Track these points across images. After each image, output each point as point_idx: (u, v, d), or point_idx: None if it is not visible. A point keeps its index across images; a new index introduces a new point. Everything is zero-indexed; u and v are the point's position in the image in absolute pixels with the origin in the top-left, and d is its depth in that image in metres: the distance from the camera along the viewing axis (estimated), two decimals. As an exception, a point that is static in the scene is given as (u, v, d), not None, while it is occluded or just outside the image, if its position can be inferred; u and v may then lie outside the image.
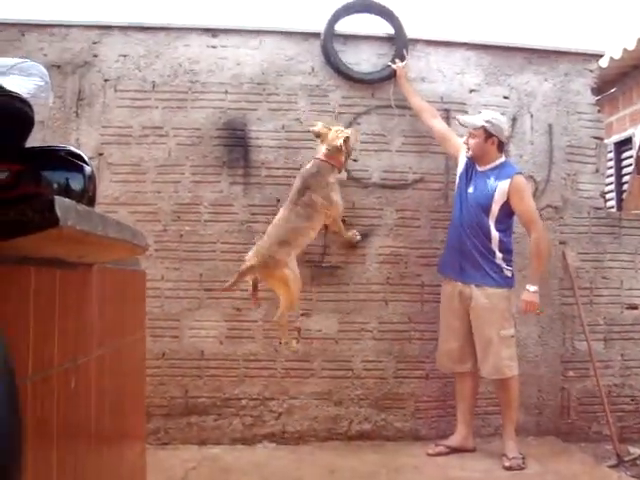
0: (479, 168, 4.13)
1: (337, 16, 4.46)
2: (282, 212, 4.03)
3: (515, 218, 4.15)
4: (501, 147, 4.16)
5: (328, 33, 4.43)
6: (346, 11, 4.50)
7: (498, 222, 4.04)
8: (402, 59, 4.46)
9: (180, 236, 4.31)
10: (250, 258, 3.89)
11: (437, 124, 4.38)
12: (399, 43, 4.51)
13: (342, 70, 4.45)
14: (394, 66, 4.45)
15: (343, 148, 4.08)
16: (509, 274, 4.08)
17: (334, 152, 4.09)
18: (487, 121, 4.05)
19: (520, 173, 4.13)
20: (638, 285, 4.67)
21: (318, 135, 4.15)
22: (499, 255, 4.04)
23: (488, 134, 4.06)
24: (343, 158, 4.16)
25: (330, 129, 4.14)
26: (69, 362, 1.37)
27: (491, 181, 4.06)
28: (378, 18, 4.57)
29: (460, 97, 4.59)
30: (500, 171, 4.09)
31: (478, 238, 4.05)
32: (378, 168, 4.48)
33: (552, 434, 4.51)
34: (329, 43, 4.42)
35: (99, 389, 1.63)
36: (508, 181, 4.02)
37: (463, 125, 4.17)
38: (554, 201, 4.62)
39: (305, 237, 4.05)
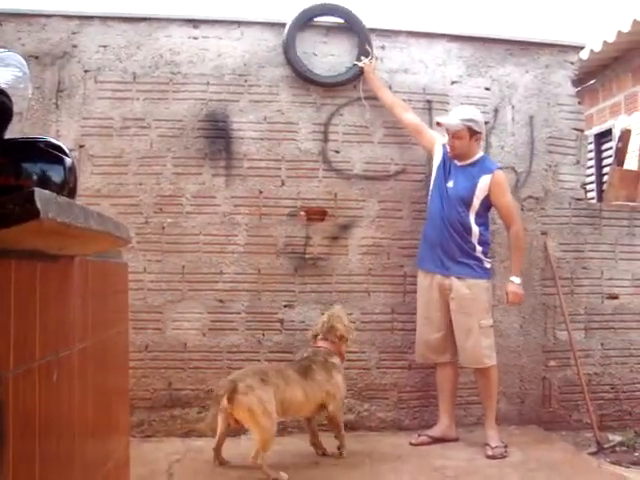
0: (458, 163, 4.16)
1: (296, 24, 4.40)
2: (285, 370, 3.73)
3: (493, 212, 4.21)
4: (480, 141, 4.20)
5: (290, 42, 4.38)
6: (303, 17, 4.43)
7: (478, 216, 4.10)
8: (367, 55, 4.45)
9: (162, 228, 4.29)
10: (221, 386, 3.61)
11: (410, 118, 4.39)
12: (361, 40, 4.48)
13: (308, 77, 4.42)
14: (360, 64, 4.44)
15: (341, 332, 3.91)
16: (488, 265, 4.15)
17: (336, 337, 3.91)
18: (470, 120, 4.07)
19: (500, 168, 4.20)
20: (618, 275, 4.73)
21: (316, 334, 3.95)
22: (479, 248, 4.10)
23: (472, 132, 4.08)
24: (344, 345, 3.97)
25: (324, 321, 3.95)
26: (51, 355, 1.36)
27: (472, 175, 4.09)
28: (337, 19, 4.52)
29: (442, 89, 4.60)
30: (481, 166, 4.13)
31: (459, 232, 4.09)
32: (360, 159, 4.49)
33: (534, 423, 4.56)
34: (292, 51, 4.37)
35: (82, 382, 1.62)
36: (489, 176, 4.07)
37: (447, 127, 4.13)
38: (535, 192, 4.66)
39: (292, 394, 3.59)
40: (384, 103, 4.44)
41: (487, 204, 4.12)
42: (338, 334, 3.88)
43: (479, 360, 4.07)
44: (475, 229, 4.09)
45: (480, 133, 4.13)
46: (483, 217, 4.15)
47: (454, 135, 4.09)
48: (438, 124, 4.19)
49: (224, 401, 3.44)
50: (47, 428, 1.33)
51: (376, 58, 4.48)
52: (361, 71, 4.44)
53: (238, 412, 3.42)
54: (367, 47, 4.45)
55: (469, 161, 4.15)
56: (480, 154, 4.21)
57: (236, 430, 3.73)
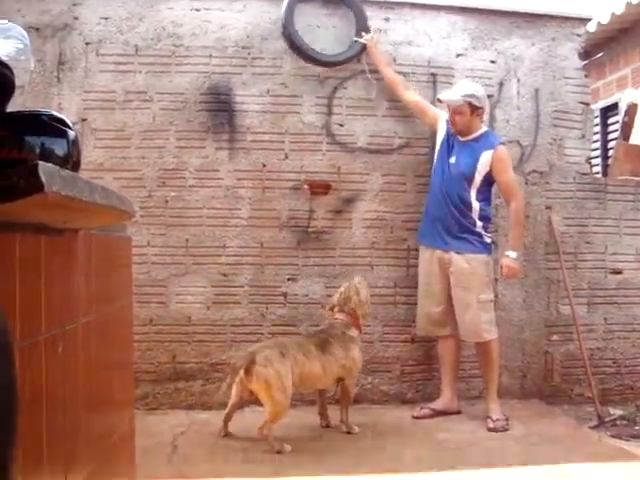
0: (461, 138, 4.14)
1: (292, 4, 4.34)
2: (306, 345, 3.71)
3: (494, 187, 4.20)
4: (482, 116, 4.17)
5: (288, 19, 4.32)
6: None
7: (479, 192, 4.10)
8: (367, 31, 4.40)
9: (165, 202, 4.28)
10: (240, 357, 3.67)
11: (411, 96, 4.37)
12: (359, 18, 4.42)
13: (309, 55, 4.37)
14: (362, 40, 4.39)
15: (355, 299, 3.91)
16: (488, 240, 4.16)
17: (346, 307, 3.91)
18: (471, 95, 4.05)
19: (503, 143, 4.18)
20: (622, 250, 4.72)
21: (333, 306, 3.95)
22: (479, 224, 4.11)
23: (473, 107, 4.06)
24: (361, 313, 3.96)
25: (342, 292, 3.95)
26: (56, 328, 1.36)
27: (474, 151, 4.08)
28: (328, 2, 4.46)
29: (447, 61, 4.56)
30: (484, 141, 4.12)
31: (459, 208, 4.09)
32: (364, 133, 4.46)
33: (536, 397, 4.59)
34: (291, 29, 4.31)
35: (87, 355, 1.62)
36: (491, 152, 4.06)
37: (448, 103, 4.12)
38: (540, 166, 4.63)
39: (310, 367, 3.62)
40: (386, 79, 4.41)
41: (489, 179, 4.12)
42: (352, 306, 3.88)
43: (478, 334, 4.09)
44: (475, 205, 4.09)
45: (481, 108, 4.10)
46: (485, 193, 4.14)
47: (455, 110, 4.07)
48: (439, 100, 4.18)
49: (241, 372, 3.46)
50: (53, 400, 1.34)
51: (379, 30, 4.43)
52: (363, 47, 4.40)
53: (254, 384, 3.45)
54: (364, 23, 4.39)
55: (472, 136, 4.13)
56: (483, 129, 4.18)
57: (249, 402, 3.75)
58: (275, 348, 3.52)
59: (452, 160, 4.13)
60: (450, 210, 4.10)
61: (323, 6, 4.46)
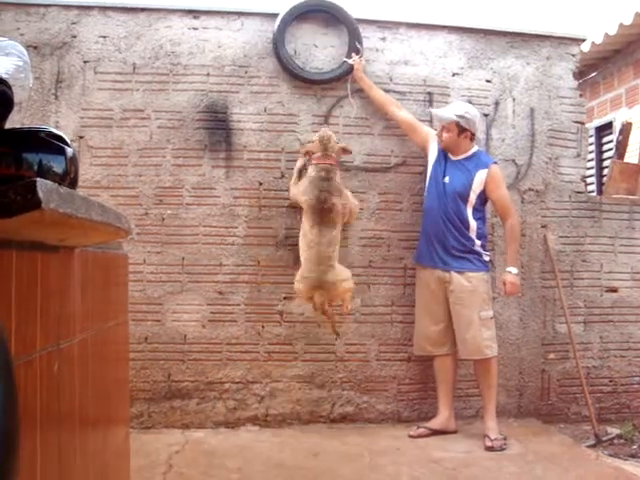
0: (452, 157, 4.19)
1: (285, 22, 4.36)
2: (309, 230, 4.01)
3: (489, 205, 4.27)
4: (473, 138, 4.22)
5: (279, 39, 4.34)
6: (292, 14, 4.39)
7: (475, 211, 4.14)
8: (357, 52, 4.42)
9: (162, 220, 4.28)
10: (303, 287, 3.97)
11: (403, 115, 4.39)
12: (351, 37, 4.44)
13: (297, 75, 4.39)
14: (350, 61, 4.40)
15: (333, 144, 4.11)
16: (487, 259, 4.20)
17: (328, 152, 4.09)
18: (460, 116, 4.09)
19: (495, 163, 4.23)
20: (617, 268, 4.73)
21: (307, 152, 4.18)
22: (477, 242, 4.14)
23: (461, 128, 4.11)
24: (336, 155, 4.16)
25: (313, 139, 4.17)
26: (52, 346, 1.36)
27: (468, 170, 4.13)
28: (327, 15, 4.48)
29: (443, 81, 4.59)
30: (477, 160, 4.17)
31: (458, 227, 4.11)
32: (360, 152, 4.48)
33: (532, 415, 4.57)
34: (282, 49, 4.34)
35: (82, 373, 1.62)
36: (486, 171, 4.12)
37: (436, 119, 4.20)
38: (536, 185, 4.65)
39: (337, 243, 4.04)
40: (374, 101, 4.43)
41: (483, 198, 4.17)
42: (330, 152, 4.08)
43: (480, 351, 4.08)
44: (473, 223, 4.12)
45: (468, 131, 4.14)
46: (480, 211, 4.18)
47: (443, 127, 4.14)
48: (432, 117, 4.27)
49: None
50: (48, 419, 1.33)
51: (365, 60, 4.44)
52: (352, 68, 4.43)
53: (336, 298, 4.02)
54: (357, 44, 4.42)
55: (464, 156, 4.17)
56: (475, 148, 4.22)
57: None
58: (320, 266, 3.94)
59: (446, 180, 4.16)
60: (449, 230, 4.12)
61: (319, 25, 4.49)
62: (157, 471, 3.37)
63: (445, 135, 4.13)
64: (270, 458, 3.59)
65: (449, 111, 4.15)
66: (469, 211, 4.12)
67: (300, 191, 4.09)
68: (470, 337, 4.07)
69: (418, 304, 4.30)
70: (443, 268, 4.15)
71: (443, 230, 4.13)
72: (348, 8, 4.45)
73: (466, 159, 4.17)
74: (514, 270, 4.12)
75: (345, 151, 4.20)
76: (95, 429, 1.79)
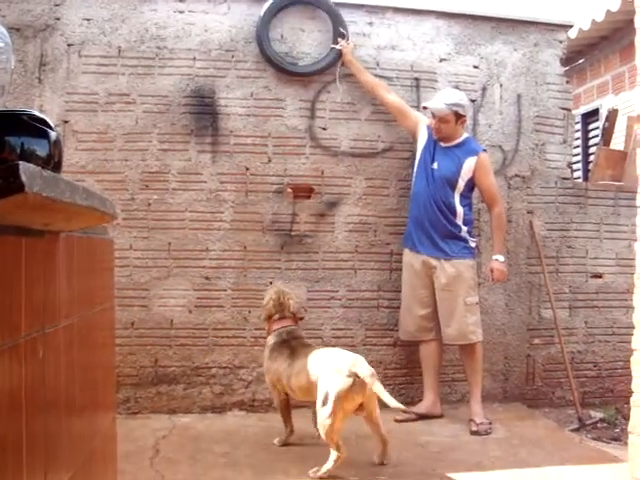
0: (442, 144, 4.17)
1: (267, 17, 4.34)
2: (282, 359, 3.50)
3: (476, 191, 4.27)
4: (465, 123, 4.23)
5: (263, 34, 4.32)
6: (275, 8, 4.36)
7: (462, 197, 4.16)
8: (343, 37, 4.40)
9: (148, 205, 4.26)
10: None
11: (393, 99, 4.38)
12: (335, 23, 4.42)
13: (285, 68, 4.37)
14: (338, 47, 4.39)
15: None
16: (473, 245, 4.22)
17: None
18: (457, 104, 4.09)
19: (485, 150, 4.24)
20: (603, 254, 4.77)
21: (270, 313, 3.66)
22: (464, 228, 4.16)
23: (459, 116, 4.10)
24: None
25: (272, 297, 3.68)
26: (36, 331, 1.35)
27: (457, 157, 4.13)
28: (310, 7, 4.45)
29: (430, 66, 4.58)
30: (467, 147, 4.18)
31: (445, 213, 4.12)
32: (347, 137, 4.47)
33: (517, 400, 4.62)
34: (266, 44, 4.32)
35: (68, 358, 1.61)
36: (475, 158, 4.13)
37: (433, 112, 4.14)
38: (522, 171, 4.67)
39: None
40: (364, 85, 4.42)
41: (471, 185, 4.19)
42: (293, 310, 3.65)
43: (465, 336, 4.11)
44: (460, 210, 4.14)
45: (465, 117, 4.15)
46: (467, 198, 4.20)
47: (440, 119, 4.11)
48: (424, 108, 4.22)
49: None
50: (33, 404, 1.32)
51: (353, 44, 4.42)
52: (339, 55, 4.40)
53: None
54: (341, 30, 4.40)
55: (454, 142, 4.18)
56: (464, 135, 4.23)
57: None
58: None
59: (435, 166, 4.16)
60: (436, 215, 4.13)
61: (300, 13, 4.45)
62: (144, 456, 3.37)
63: (443, 127, 4.12)
64: (257, 442, 3.59)
65: (442, 102, 4.11)
66: (456, 197, 4.13)
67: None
68: (455, 323, 4.10)
69: (404, 289, 4.31)
70: (429, 254, 4.16)
71: (430, 216, 4.14)
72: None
73: (455, 146, 4.17)
74: (501, 258, 4.15)
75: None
76: (81, 415, 1.79)
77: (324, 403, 3.10)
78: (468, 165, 4.12)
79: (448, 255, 4.13)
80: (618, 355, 4.74)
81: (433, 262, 4.15)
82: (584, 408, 4.40)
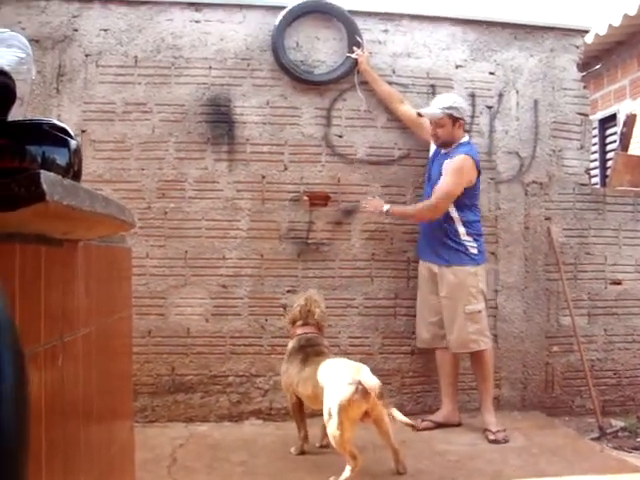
0: (443, 151, 4.15)
1: (282, 25, 4.35)
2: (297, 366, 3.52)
3: (477, 195, 4.17)
4: (464, 126, 4.18)
5: (279, 42, 4.33)
6: (290, 17, 4.37)
7: (459, 201, 4.04)
8: (358, 46, 4.40)
9: (165, 213, 4.27)
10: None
11: (407, 110, 4.37)
12: (350, 32, 4.42)
13: (300, 77, 4.37)
14: (354, 55, 4.39)
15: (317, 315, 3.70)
16: (475, 251, 4.11)
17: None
18: (450, 107, 4.05)
19: (467, 155, 4.05)
20: (621, 261, 4.72)
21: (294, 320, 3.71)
22: (462, 231, 4.07)
23: (455, 119, 4.06)
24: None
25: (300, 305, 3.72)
26: (56, 340, 1.35)
27: (445, 162, 4.07)
28: (325, 16, 4.45)
29: (446, 73, 4.57)
30: (455, 151, 4.07)
31: (440, 220, 4.08)
32: (364, 144, 4.46)
33: (536, 408, 4.57)
34: (281, 52, 4.33)
35: (86, 367, 1.61)
36: (450, 159, 4.03)
37: (427, 117, 4.12)
38: (539, 177, 4.63)
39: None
40: (380, 95, 4.42)
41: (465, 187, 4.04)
42: (317, 318, 3.67)
43: (465, 345, 4.08)
44: (455, 215, 4.06)
45: (462, 119, 4.10)
46: (463, 200, 4.05)
47: (436, 124, 4.08)
48: (419, 115, 4.18)
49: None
50: (53, 413, 1.32)
51: (368, 52, 4.42)
52: (355, 63, 4.40)
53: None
54: (357, 38, 4.40)
55: (450, 148, 4.12)
56: (465, 138, 4.17)
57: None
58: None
59: (431, 173, 4.19)
60: (433, 223, 4.11)
61: (315, 22, 4.46)
62: (162, 464, 3.37)
63: (439, 131, 4.08)
64: (274, 451, 3.58)
65: (435, 107, 4.09)
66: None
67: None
68: (455, 331, 4.07)
69: (418, 297, 4.31)
70: (431, 260, 4.17)
71: (429, 223, 4.14)
72: (343, 4, 4.45)
73: (451, 151, 4.10)
74: (386, 207, 4.13)
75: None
76: (100, 423, 1.79)
77: (330, 415, 3.10)
78: (444, 167, 4.05)
79: (448, 262, 4.09)
80: (638, 363, 4.69)
81: (435, 269, 4.14)
82: (604, 417, 4.35)
